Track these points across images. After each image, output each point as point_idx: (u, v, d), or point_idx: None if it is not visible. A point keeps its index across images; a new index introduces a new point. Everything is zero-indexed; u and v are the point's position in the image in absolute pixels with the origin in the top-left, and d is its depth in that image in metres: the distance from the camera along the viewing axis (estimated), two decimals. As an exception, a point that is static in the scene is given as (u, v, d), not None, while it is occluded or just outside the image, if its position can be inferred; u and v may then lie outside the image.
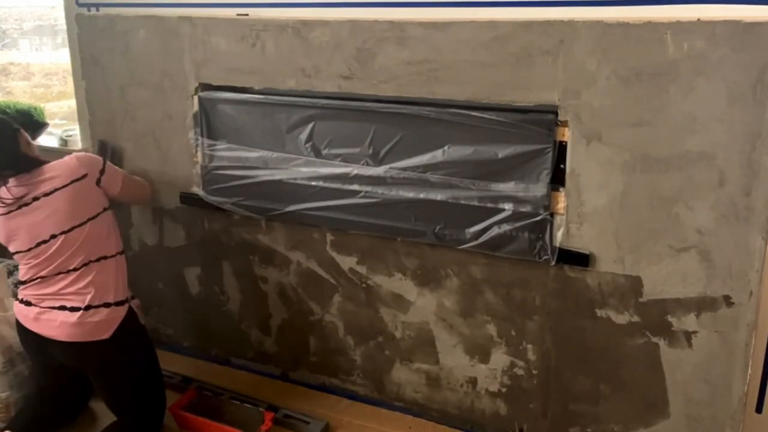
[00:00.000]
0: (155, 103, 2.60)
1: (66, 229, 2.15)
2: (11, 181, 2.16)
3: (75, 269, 2.17)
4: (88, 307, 2.15)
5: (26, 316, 2.19)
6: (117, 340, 2.19)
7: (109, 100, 2.70)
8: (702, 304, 1.90)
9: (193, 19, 2.42)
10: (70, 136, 3.34)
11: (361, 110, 2.20)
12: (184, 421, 2.36)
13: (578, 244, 2.01)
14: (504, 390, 2.28)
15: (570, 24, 1.85)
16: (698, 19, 1.72)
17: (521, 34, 1.92)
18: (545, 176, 1.99)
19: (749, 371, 1.90)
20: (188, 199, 2.64)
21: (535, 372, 2.21)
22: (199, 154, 2.55)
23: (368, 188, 2.24)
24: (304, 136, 2.31)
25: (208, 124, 2.50)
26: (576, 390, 2.15)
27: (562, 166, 1.98)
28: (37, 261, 2.17)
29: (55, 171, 2.17)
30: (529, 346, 2.19)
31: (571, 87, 1.90)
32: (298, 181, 2.35)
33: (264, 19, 2.31)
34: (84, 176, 2.19)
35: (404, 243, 2.29)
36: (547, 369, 2.18)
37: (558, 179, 1.99)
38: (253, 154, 2.42)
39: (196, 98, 2.49)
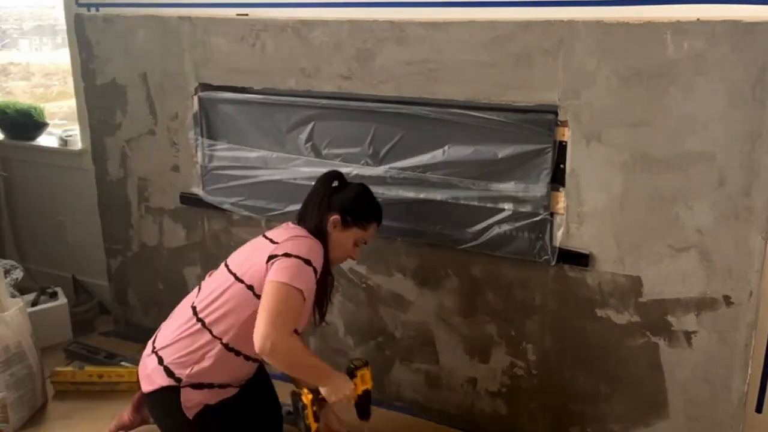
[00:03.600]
0: (155, 103, 2.60)
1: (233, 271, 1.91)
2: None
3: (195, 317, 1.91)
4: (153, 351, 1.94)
5: None
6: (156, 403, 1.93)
7: (109, 100, 2.70)
8: (702, 304, 1.90)
9: (193, 19, 2.42)
10: (70, 136, 3.33)
11: (361, 110, 2.20)
12: None
13: (578, 244, 2.01)
14: (504, 390, 2.28)
15: (570, 24, 1.85)
16: (698, 19, 1.72)
17: (521, 34, 1.92)
18: (545, 176, 1.99)
19: (749, 371, 1.90)
20: (188, 199, 2.64)
21: (535, 372, 2.21)
22: (199, 154, 2.55)
23: (368, 188, 2.24)
24: (304, 136, 2.31)
25: (208, 124, 2.50)
26: (576, 390, 2.15)
27: (561, 166, 1.98)
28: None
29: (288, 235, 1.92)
30: (529, 346, 2.19)
31: (571, 87, 1.90)
32: (298, 181, 2.35)
33: (264, 19, 2.31)
34: (274, 243, 1.89)
35: (404, 243, 2.29)
36: (547, 369, 2.18)
37: (558, 179, 1.99)
38: (253, 154, 2.42)
39: (196, 98, 2.50)
